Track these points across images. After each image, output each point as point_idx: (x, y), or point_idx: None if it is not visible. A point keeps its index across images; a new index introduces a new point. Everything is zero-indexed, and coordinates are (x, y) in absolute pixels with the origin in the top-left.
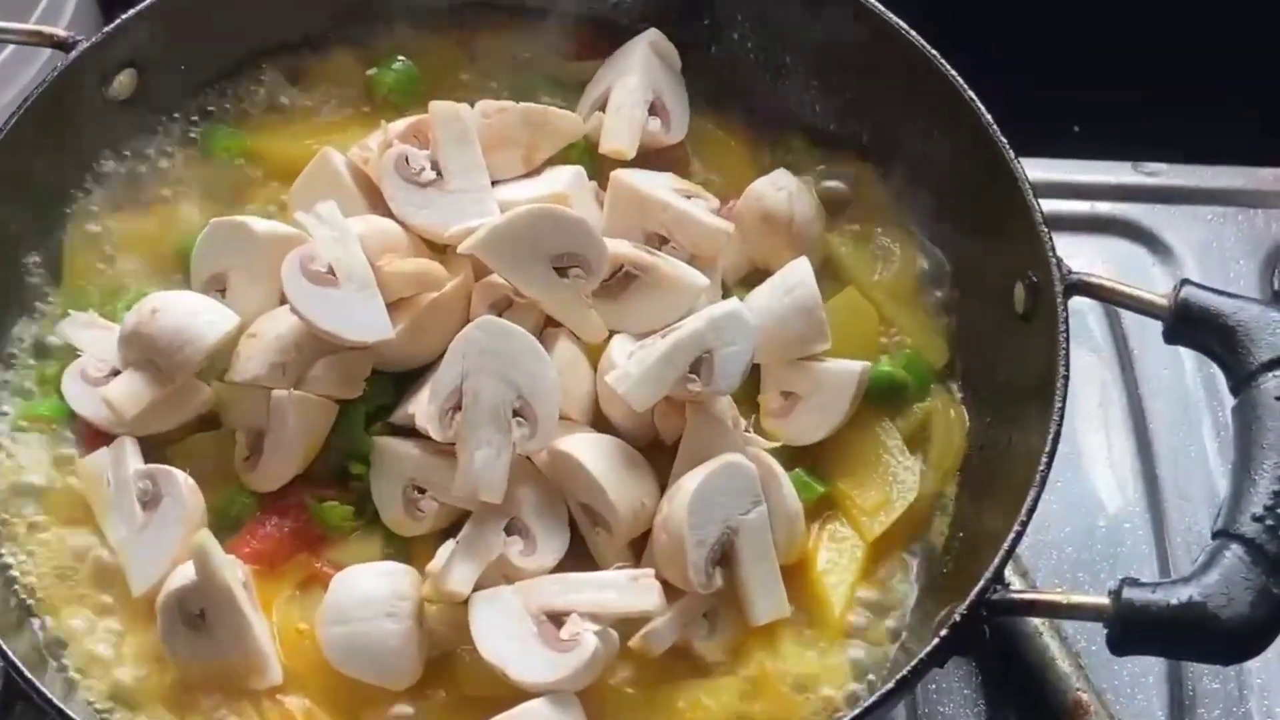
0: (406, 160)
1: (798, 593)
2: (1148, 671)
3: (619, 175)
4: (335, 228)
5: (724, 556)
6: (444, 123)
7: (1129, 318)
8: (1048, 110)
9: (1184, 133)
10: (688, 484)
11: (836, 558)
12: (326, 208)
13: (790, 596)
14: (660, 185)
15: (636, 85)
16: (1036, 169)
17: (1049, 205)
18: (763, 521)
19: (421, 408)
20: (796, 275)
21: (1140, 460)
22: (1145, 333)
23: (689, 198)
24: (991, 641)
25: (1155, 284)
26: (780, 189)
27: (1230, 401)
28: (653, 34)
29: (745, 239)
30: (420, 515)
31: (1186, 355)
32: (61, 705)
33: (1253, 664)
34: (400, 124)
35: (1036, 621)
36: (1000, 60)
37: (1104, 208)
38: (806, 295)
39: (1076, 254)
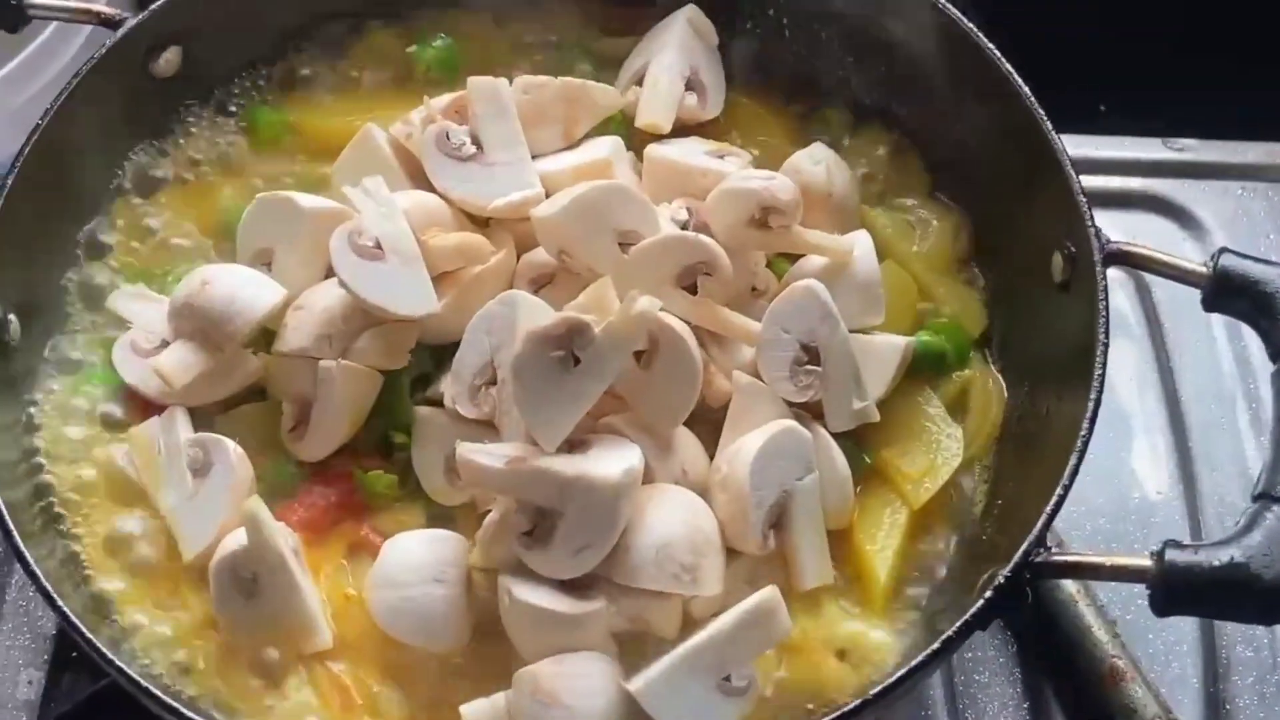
0: (447, 135)
1: (841, 560)
2: (1182, 639)
3: (652, 151)
4: (382, 202)
5: (776, 521)
6: (482, 97)
7: (1161, 293)
8: (1077, 87)
9: (1214, 108)
10: (749, 445)
11: (880, 525)
12: (373, 183)
13: (834, 563)
14: (693, 152)
15: (673, 60)
16: (1067, 145)
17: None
18: (814, 488)
19: (449, 388)
20: (858, 250)
21: (1173, 434)
22: (1178, 307)
23: (722, 157)
24: (1028, 610)
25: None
26: (818, 162)
27: (1263, 374)
28: (690, 9)
29: None
30: (461, 484)
31: (1219, 330)
32: (121, 664)
33: None
34: (442, 99)
35: (1072, 590)
36: (1029, 36)
37: (1135, 183)
38: (867, 270)
39: (1107, 229)
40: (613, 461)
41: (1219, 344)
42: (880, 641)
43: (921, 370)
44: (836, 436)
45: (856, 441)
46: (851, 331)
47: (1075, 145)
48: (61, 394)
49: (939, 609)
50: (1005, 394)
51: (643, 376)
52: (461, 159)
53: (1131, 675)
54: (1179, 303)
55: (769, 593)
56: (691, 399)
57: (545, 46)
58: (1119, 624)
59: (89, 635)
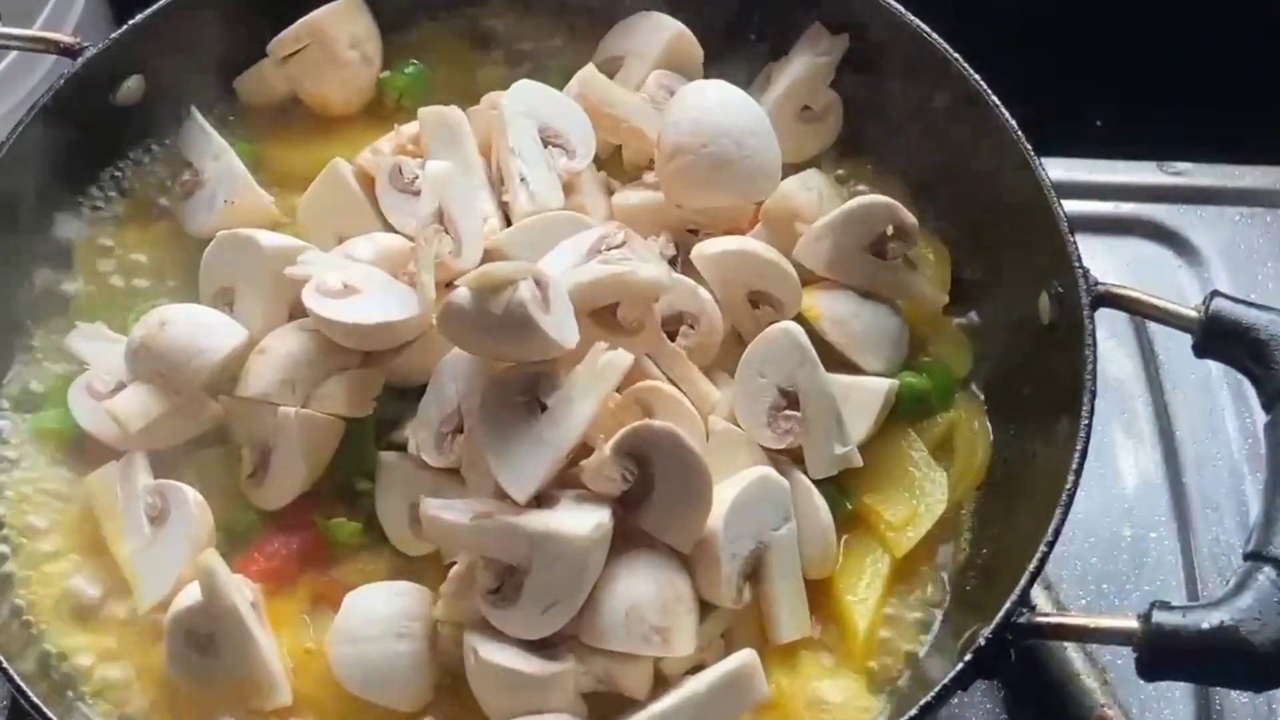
0: (400, 170)
1: (820, 611)
2: (1174, 686)
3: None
4: (330, 261)
5: (752, 572)
6: (432, 128)
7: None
8: (1071, 107)
9: (1210, 131)
10: (723, 496)
11: (861, 575)
12: (307, 255)
13: (813, 615)
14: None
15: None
16: (1060, 169)
17: (1072, 206)
18: (792, 538)
19: (414, 435)
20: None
21: (1166, 468)
22: (1172, 337)
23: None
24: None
25: (1182, 287)
26: (810, 189)
27: (1259, 408)
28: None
29: (774, 236)
30: (424, 537)
31: (1215, 363)
32: None
33: None
34: (412, 127)
35: None
36: (1023, 56)
37: (1129, 208)
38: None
39: (1100, 256)
40: (581, 517)
41: (1214, 377)
42: (860, 698)
43: (906, 412)
44: (817, 482)
45: (837, 487)
46: (832, 373)
47: (1068, 169)
48: (19, 436)
49: (922, 662)
50: (991, 437)
51: (648, 500)
52: (415, 193)
53: None
54: (1174, 334)
55: (746, 657)
56: (707, 504)
57: (520, 67)
58: (1109, 671)
59: (34, 698)
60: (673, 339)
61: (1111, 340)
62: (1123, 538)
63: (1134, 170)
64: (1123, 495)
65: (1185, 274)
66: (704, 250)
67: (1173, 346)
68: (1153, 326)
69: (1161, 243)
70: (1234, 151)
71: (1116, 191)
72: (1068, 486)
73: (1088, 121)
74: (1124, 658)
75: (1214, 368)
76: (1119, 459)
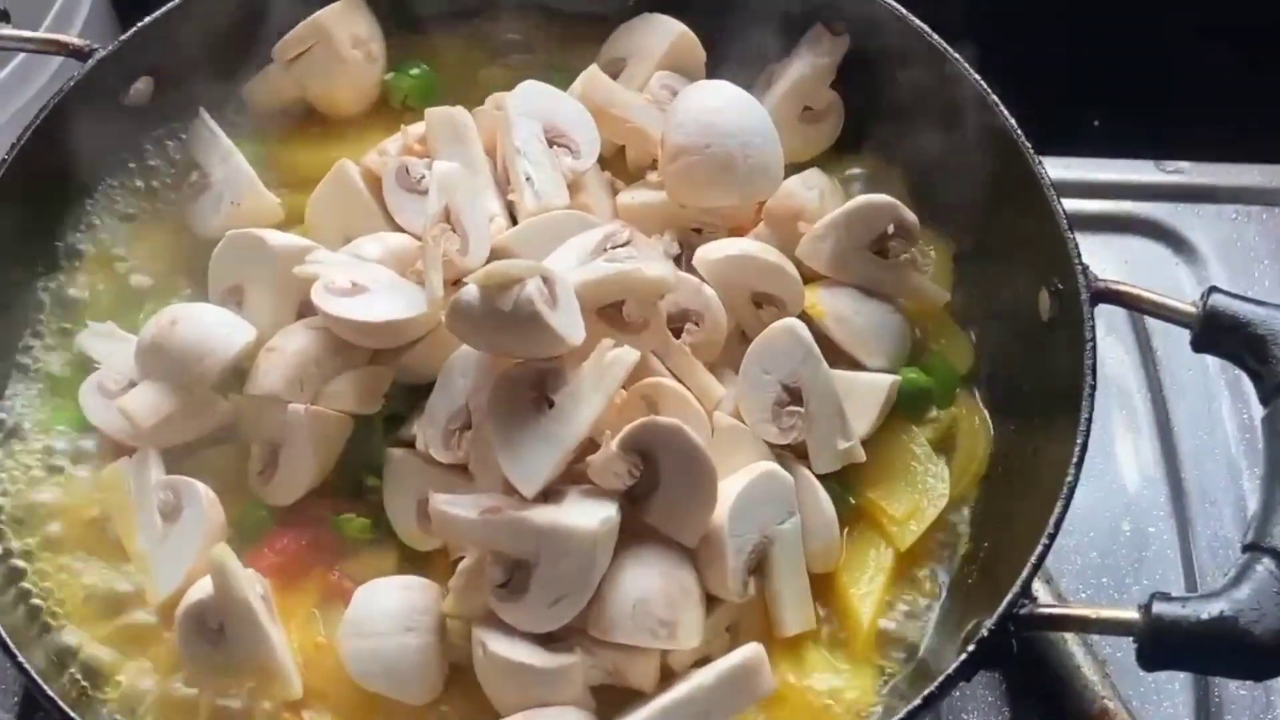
0: (406, 170)
1: (825, 603)
2: (1174, 678)
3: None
4: (338, 261)
5: (757, 566)
6: (439, 128)
7: (1154, 319)
8: (1070, 106)
9: (1208, 130)
10: (728, 490)
11: (864, 568)
12: (316, 254)
13: (817, 606)
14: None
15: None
16: (1058, 168)
17: (1071, 205)
18: (796, 532)
19: (422, 431)
20: None
21: (1165, 462)
22: (1169, 333)
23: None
24: (1016, 649)
25: (1179, 285)
26: (812, 188)
27: (1256, 402)
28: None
29: (776, 236)
30: (433, 532)
31: (1213, 358)
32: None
33: None
34: (418, 128)
35: None
36: (1022, 56)
37: (1126, 207)
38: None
39: (1098, 254)
40: (588, 512)
41: (1211, 374)
42: (864, 690)
43: (908, 408)
44: (820, 477)
45: (840, 482)
46: (835, 369)
47: (1066, 168)
48: (30, 433)
49: (925, 654)
50: (992, 432)
51: (654, 495)
52: (421, 192)
53: (1122, 717)
54: (1171, 328)
55: (752, 650)
56: (712, 498)
57: (524, 68)
58: (1109, 663)
59: (45, 688)
60: (677, 336)
61: (1110, 337)
62: (1122, 532)
63: (1132, 169)
64: (1122, 490)
65: (1183, 271)
66: (705, 255)
67: (1171, 344)
68: (1151, 324)
69: (1159, 241)
70: (1231, 150)
71: (1115, 190)
72: (1068, 479)
73: (1086, 120)
74: (1124, 650)
75: (1211, 364)
76: (1118, 454)
